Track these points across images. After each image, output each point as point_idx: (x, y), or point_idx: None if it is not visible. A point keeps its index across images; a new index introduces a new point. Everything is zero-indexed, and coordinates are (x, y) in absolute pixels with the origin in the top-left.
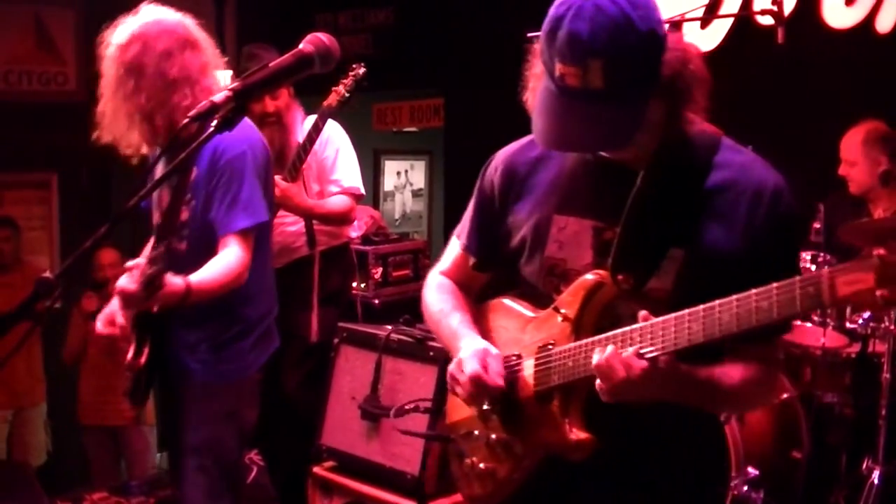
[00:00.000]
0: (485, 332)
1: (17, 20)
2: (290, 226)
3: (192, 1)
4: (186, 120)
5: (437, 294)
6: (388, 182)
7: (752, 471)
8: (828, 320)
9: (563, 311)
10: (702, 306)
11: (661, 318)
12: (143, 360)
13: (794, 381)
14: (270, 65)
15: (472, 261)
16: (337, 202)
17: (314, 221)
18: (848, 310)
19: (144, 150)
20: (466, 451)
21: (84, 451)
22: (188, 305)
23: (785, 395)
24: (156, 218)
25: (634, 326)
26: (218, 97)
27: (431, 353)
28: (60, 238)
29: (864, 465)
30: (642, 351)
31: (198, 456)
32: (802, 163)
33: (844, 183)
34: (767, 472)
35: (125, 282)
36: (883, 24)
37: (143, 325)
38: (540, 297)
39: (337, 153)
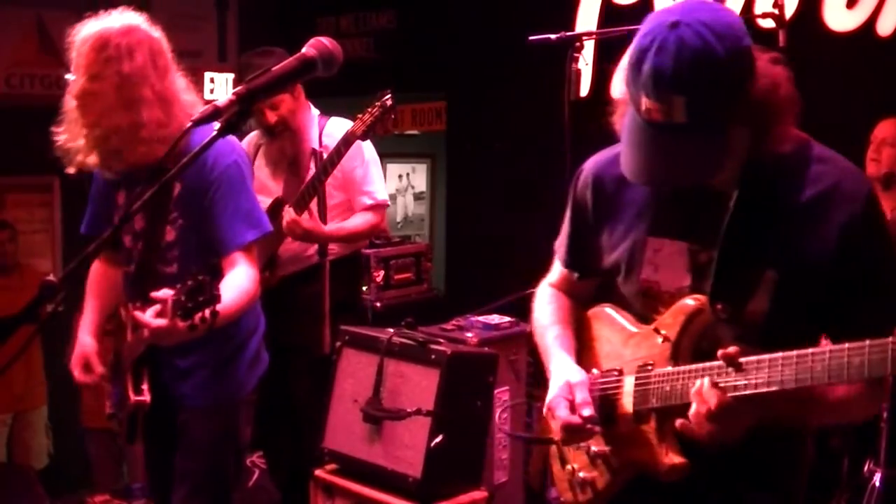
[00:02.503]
0: (588, 341)
1: (20, 23)
2: (301, 243)
3: (194, 5)
4: (189, 124)
5: (542, 307)
6: (390, 185)
7: None
8: None
9: (663, 332)
10: (795, 352)
11: (755, 358)
12: (147, 398)
13: None
14: (273, 69)
15: (574, 275)
16: (361, 221)
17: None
18: None
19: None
20: (568, 458)
21: (85, 454)
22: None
23: None
24: (126, 241)
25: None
26: (221, 101)
27: (433, 356)
28: (62, 241)
29: (866, 469)
30: (735, 384)
31: (191, 483)
32: None
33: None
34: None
35: (154, 318)
36: (884, 27)
37: (139, 358)
38: (639, 314)
39: (368, 165)
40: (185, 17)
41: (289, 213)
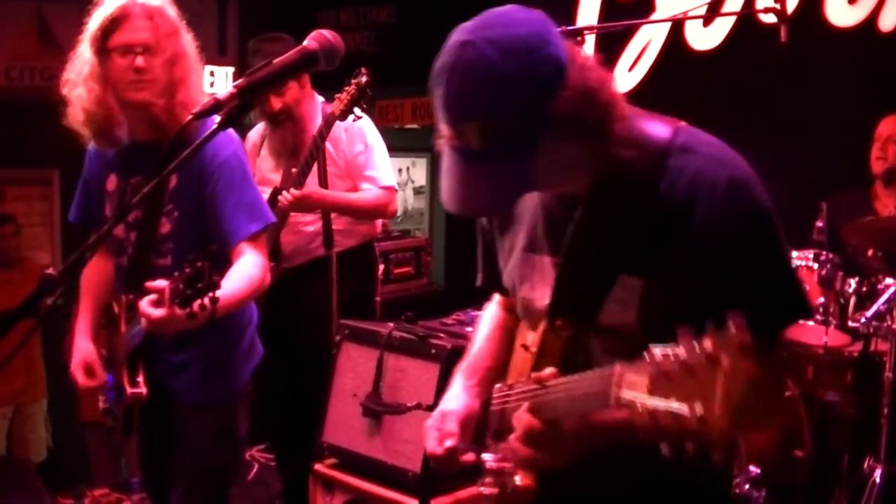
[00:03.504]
0: (510, 354)
1: (19, 16)
2: (307, 225)
3: None
4: (190, 117)
5: (482, 318)
6: None
7: (753, 469)
8: (830, 319)
9: (531, 349)
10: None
11: (566, 378)
12: (144, 390)
13: (796, 381)
14: (275, 62)
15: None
16: (371, 195)
17: (332, 222)
18: (850, 308)
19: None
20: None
21: (85, 447)
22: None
23: (787, 394)
24: (117, 231)
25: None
26: (222, 94)
27: (433, 351)
28: (62, 235)
29: (866, 465)
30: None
31: (188, 479)
32: (805, 161)
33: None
34: (769, 471)
35: (152, 307)
36: (886, 23)
37: (134, 351)
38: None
39: (371, 150)
40: (185, 10)
41: (285, 196)
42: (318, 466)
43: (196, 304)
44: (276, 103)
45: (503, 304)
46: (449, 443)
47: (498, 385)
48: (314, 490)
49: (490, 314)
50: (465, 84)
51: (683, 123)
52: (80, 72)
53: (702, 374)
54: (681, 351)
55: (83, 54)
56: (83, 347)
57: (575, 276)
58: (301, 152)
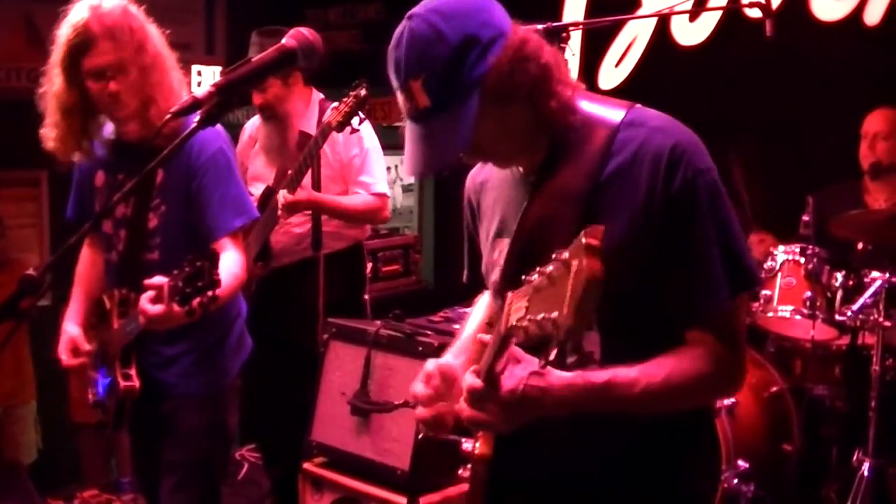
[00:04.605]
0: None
1: (7, 16)
2: (296, 226)
3: None
4: (168, 116)
5: (473, 308)
6: None
7: (742, 464)
8: (817, 313)
9: (496, 327)
10: None
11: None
12: (137, 383)
13: (784, 374)
14: (253, 60)
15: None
16: (361, 200)
17: (322, 223)
18: (837, 302)
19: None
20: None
21: (75, 448)
22: None
23: (775, 388)
24: (106, 227)
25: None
26: (201, 93)
27: (421, 349)
28: (50, 236)
29: (855, 458)
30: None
31: (179, 473)
32: (791, 156)
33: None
34: (758, 465)
35: (150, 304)
36: (871, 17)
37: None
38: None
39: (367, 155)
40: (173, 9)
41: (282, 197)
42: (306, 465)
43: (195, 302)
44: (257, 98)
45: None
46: (433, 382)
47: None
48: (303, 489)
49: (481, 306)
50: (410, 47)
51: (638, 105)
52: (49, 88)
53: (559, 282)
54: (548, 266)
55: (52, 72)
56: (70, 329)
57: (522, 251)
58: (288, 149)
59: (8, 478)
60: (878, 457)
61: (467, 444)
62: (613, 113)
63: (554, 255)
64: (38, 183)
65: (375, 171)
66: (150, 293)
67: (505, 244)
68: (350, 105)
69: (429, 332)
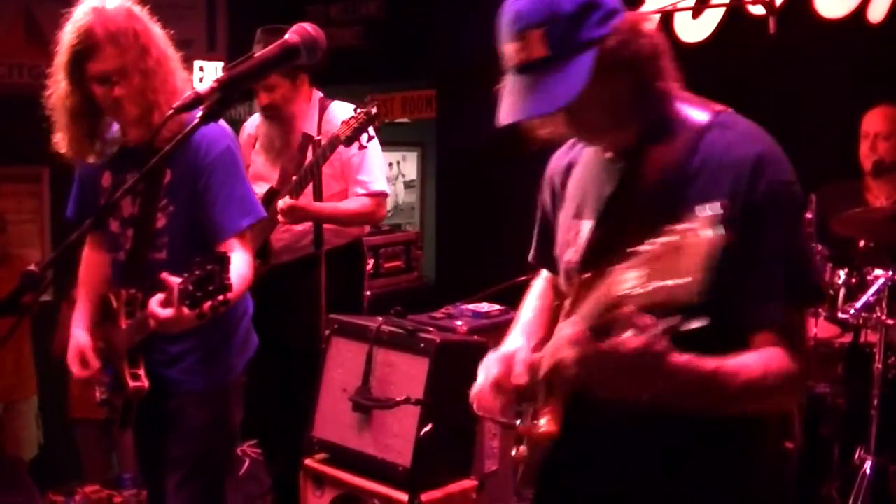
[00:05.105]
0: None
1: (6, 12)
2: (298, 224)
3: None
4: (171, 112)
5: (528, 298)
6: None
7: None
8: (819, 310)
9: (565, 307)
10: None
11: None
12: (146, 383)
13: None
14: (256, 56)
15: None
16: (357, 204)
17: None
18: (840, 299)
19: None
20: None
21: (76, 444)
22: None
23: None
24: (113, 226)
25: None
26: (203, 89)
27: (422, 345)
28: (51, 231)
29: (857, 456)
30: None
31: (184, 470)
32: (794, 153)
33: (844, 171)
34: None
35: (161, 307)
36: (875, 14)
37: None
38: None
39: (365, 153)
40: (174, 6)
41: (284, 202)
42: (308, 461)
43: (206, 306)
44: (264, 98)
45: (551, 281)
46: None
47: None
48: (304, 485)
49: (540, 289)
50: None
51: (730, 110)
52: (55, 91)
53: (687, 251)
54: (666, 237)
55: (56, 76)
56: (78, 337)
57: (605, 235)
58: (290, 149)
59: (9, 473)
60: (880, 455)
61: (522, 424)
62: (704, 113)
63: (673, 227)
64: (39, 179)
65: (374, 169)
66: (160, 296)
67: (582, 225)
68: (360, 121)
69: (430, 329)
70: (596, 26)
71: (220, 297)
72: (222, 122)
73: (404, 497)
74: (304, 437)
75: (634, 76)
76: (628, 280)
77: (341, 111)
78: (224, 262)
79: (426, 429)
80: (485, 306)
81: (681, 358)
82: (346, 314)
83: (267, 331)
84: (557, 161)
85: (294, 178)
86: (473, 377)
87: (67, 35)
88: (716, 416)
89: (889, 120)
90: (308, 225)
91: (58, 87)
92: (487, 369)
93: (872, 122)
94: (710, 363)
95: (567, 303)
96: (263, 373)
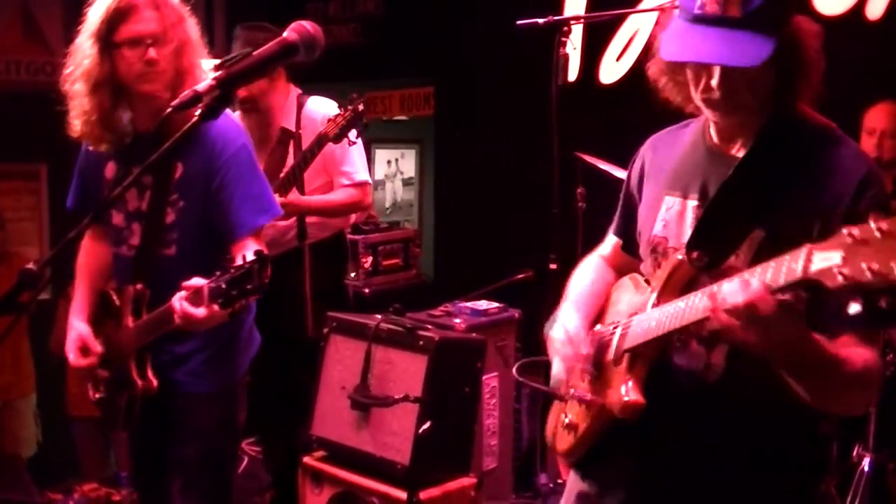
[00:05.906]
0: (607, 307)
1: (4, 9)
2: (281, 219)
3: None
4: (169, 109)
5: (581, 270)
6: (379, 171)
7: None
8: None
9: (653, 283)
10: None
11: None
12: (155, 382)
13: None
14: (254, 53)
15: (618, 242)
16: (345, 195)
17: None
18: None
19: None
20: (566, 408)
21: (74, 442)
22: None
23: None
24: (116, 219)
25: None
26: (201, 86)
27: (421, 343)
28: (50, 229)
29: (855, 453)
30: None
31: (189, 471)
32: None
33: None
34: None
35: (192, 305)
36: (873, 12)
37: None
38: (648, 274)
39: (346, 145)
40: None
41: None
42: (306, 459)
43: (238, 305)
44: (242, 91)
45: (610, 261)
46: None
47: (598, 326)
48: (303, 483)
49: (594, 265)
50: None
51: (841, 132)
52: (79, 64)
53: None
54: (876, 223)
55: (83, 47)
56: (77, 327)
57: (716, 220)
58: (268, 143)
59: (7, 471)
60: (879, 452)
61: (580, 394)
62: (819, 125)
63: (880, 216)
64: (37, 176)
65: (356, 160)
66: (184, 293)
67: (681, 203)
68: (347, 118)
69: (429, 326)
70: (783, 12)
71: (255, 296)
72: (237, 119)
73: (403, 495)
74: (302, 434)
75: (787, 70)
76: (821, 261)
77: (320, 106)
78: (265, 261)
79: (425, 426)
80: (483, 304)
81: (818, 335)
82: (333, 304)
83: (257, 326)
84: (661, 138)
85: (282, 175)
86: (472, 375)
87: (101, 3)
88: (794, 399)
89: (894, 117)
90: (292, 220)
91: (82, 59)
92: (558, 352)
93: (877, 118)
94: (833, 348)
95: (655, 279)
96: (257, 368)
